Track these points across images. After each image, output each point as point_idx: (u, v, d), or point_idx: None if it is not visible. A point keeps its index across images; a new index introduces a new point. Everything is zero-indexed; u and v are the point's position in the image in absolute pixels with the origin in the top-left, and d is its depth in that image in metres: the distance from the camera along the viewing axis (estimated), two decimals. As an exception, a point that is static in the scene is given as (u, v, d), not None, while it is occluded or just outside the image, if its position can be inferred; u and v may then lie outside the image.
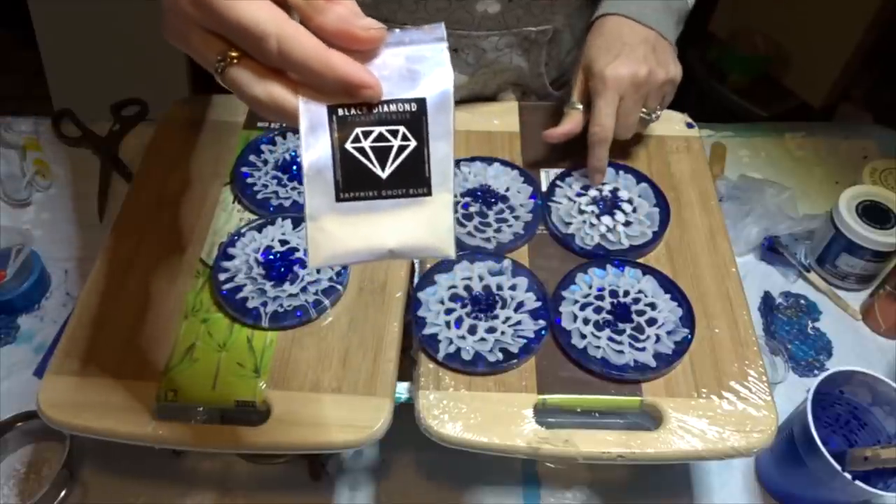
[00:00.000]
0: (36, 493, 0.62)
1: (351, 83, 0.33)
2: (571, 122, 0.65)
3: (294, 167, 0.67)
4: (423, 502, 0.66)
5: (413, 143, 0.34)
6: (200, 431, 0.52)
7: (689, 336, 0.56)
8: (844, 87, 1.64)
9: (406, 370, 0.56)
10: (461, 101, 0.76)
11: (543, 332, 0.56)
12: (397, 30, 0.35)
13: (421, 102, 0.34)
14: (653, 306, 0.58)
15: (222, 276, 0.58)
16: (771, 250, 0.83)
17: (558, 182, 0.67)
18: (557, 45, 0.76)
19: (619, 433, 0.52)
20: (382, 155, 0.34)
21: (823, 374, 0.63)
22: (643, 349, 0.55)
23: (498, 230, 0.63)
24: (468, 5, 0.67)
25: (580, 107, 0.65)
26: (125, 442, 0.52)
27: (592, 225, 0.63)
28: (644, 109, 0.63)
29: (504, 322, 0.56)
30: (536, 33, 0.71)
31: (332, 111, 0.34)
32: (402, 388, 0.55)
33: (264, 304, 0.56)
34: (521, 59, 0.73)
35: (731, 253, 0.62)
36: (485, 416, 0.52)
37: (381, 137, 0.34)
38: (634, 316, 0.57)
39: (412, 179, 0.35)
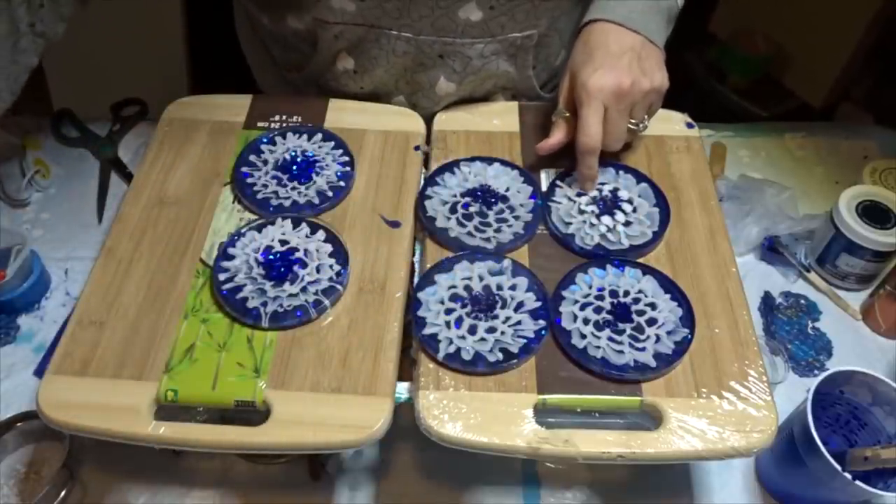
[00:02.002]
0: (36, 493, 0.62)
1: None
2: (560, 133, 0.65)
3: (294, 167, 0.67)
4: (423, 502, 0.66)
5: None
6: (200, 431, 0.52)
7: (689, 336, 0.56)
8: (845, 87, 1.64)
9: (406, 370, 0.56)
10: (455, 103, 0.76)
11: (543, 332, 0.56)
12: None
13: None
14: (653, 306, 0.58)
15: (222, 276, 0.58)
16: (771, 250, 0.83)
17: (558, 182, 0.67)
18: (545, 48, 0.76)
19: (619, 433, 0.51)
20: None
21: (823, 374, 0.63)
22: (643, 349, 0.55)
23: (498, 230, 0.63)
24: (451, 13, 0.67)
25: (567, 115, 0.65)
26: (125, 442, 0.52)
27: (592, 225, 0.63)
28: (632, 120, 0.63)
29: (504, 322, 0.56)
30: (522, 39, 0.71)
31: None
32: (402, 388, 0.55)
33: (264, 304, 0.57)
34: (508, 64, 0.73)
35: (731, 253, 0.62)
36: (485, 416, 0.52)
37: None
38: (634, 316, 0.57)
39: None
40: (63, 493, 0.64)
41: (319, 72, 0.76)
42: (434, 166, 0.68)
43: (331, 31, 0.70)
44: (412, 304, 0.58)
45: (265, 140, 0.69)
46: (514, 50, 0.72)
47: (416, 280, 0.61)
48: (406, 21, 0.68)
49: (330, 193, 0.65)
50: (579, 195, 0.66)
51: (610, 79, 0.61)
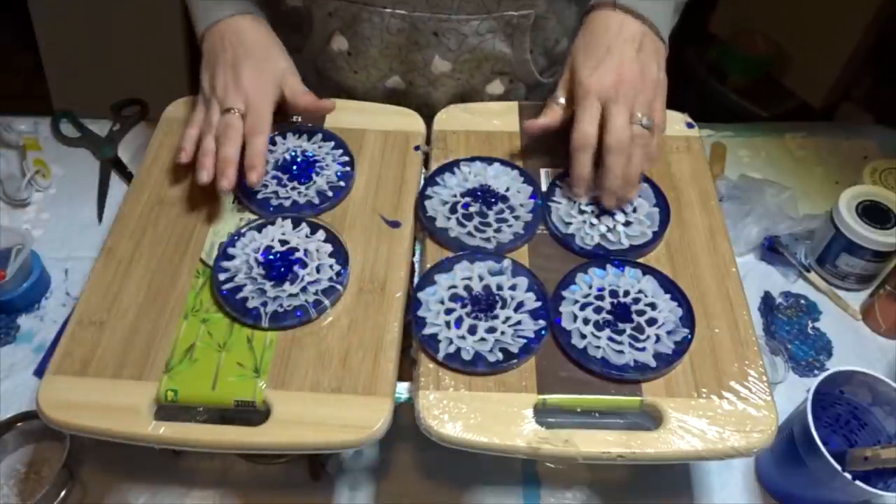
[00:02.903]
0: (36, 493, 0.62)
1: None
2: (549, 116, 0.65)
3: (294, 167, 0.67)
4: (423, 502, 0.66)
5: None
6: (200, 431, 0.52)
7: (689, 336, 0.56)
8: (845, 87, 1.64)
9: (406, 370, 0.56)
10: (453, 100, 0.76)
11: (543, 332, 0.56)
12: None
13: None
14: (653, 306, 0.58)
15: (222, 276, 0.58)
16: (771, 250, 0.84)
17: (558, 182, 0.67)
18: (543, 31, 0.76)
19: (619, 433, 0.51)
20: None
21: (823, 374, 0.63)
22: (643, 349, 0.55)
23: (498, 230, 0.63)
24: None
25: (562, 101, 0.64)
26: (125, 442, 0.52)
27: (592, 225, 0.63)
28: (638, 114, 0.61)
29: (504, 322, 0.56)
30: (518, 18, 0.71)
31: None
32: (402, 388, 0.55)
33: (264, 304, 0.56)
34: (505, 44, 0.73)
35: (731, 253, 0.62)
36: (485, 416, 0.52)
37: None
38: (634, 316, 0.57)
39: None
40: (63, 493, 0.64)
41: (315, 53, 0.76)
42: (434, 166, 0.68)
43: (324, 9, 0.70)
44: (412, 304, 0.58)
45: (265, 140, 0.69)
46: (510, 29, 0.72)
47: (416, 280, 0.61)
48: None
49: (330, 193, 0.65)
50: (579, 195, 0.66)
51: (607, 76, 0.61)
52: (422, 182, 0.67)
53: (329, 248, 0.61)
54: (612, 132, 0.60)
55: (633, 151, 0.61)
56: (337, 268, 0.59)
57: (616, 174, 0.60)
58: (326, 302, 0.57)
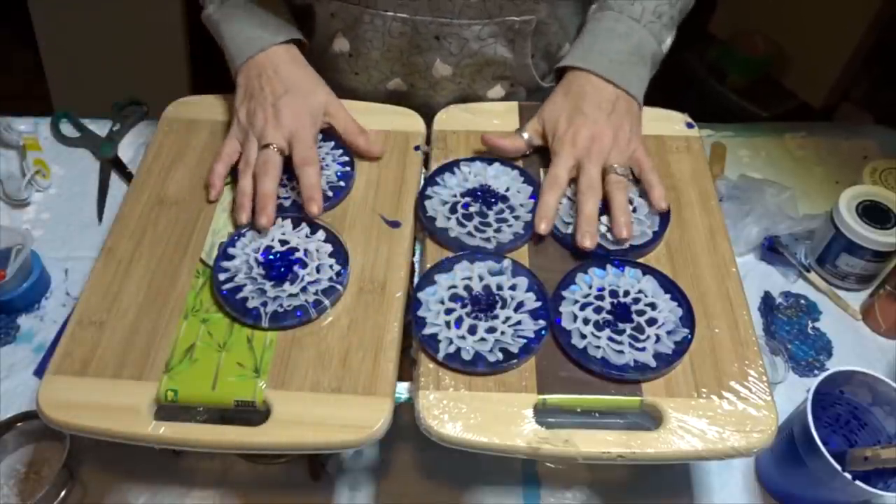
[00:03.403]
0: (36, 493, 0.62)
1: None
2: (511, 143, 0.67)
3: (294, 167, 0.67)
4: (423, 502, 0.66)
5: None
6: (200, 431, 0.52)
7: (689, 336, 0.56)
8: (845, 87, 1.64)
9: (406, 370, 0.56)
10: (454, 103, 0.76)
11: (543, 332, 0.56)
12: None
13: None
14: (653, 306, 0.58)
15: (222, 276, 0.58)
16: (771, 250, 0.84)
17: (558, 182, 0.67)
18: (545, 36, 0.76)
19: (619, 433, 0.51)
20: None
21: (823, 374, 0.63)
22: (643, 349, 0.55)
23: (498, 230, 0.63)
24: None
25: (525, 136, 0.67)
26: (125, 442, 0.52)
27: (592, 225, 0.63)
28: (613, 165, 0.64)
29: (504, 322, 0.56)
30: (520, 23, 0.71)
31: None
32: (402, 388, 0.55)
33: (264, 304, 0.56)
34: (506, 49, 0.73)
35: (731, 253, 0.62)
36: (485, 416, 0.52)
37: None
38: (634, 316, 0.57)
39: None
40: (63, 493, 0.64)
41: (318, 54, 0.76)
42: (434, 166, 0.68)
43: (327, 10, 0.70)
44: (412, 304, 0.58)
45: (265, 140, 0.69)
46: (511, 34, 0.72)
47: (416, 280, 0.61)
48: (403, 0, 0.68)
49: (330, 193, 0.65)
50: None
51: (581, 136, 0.64)
52: (422, 182, 0.67)
53: (329, 248, 0.61)
54: (584, 178, 0.63)
55: (614, 195, 0.63)
56: (337, 268, 0.59)
57: (587, 214, 0.61)
58: (326, 302, 0.57)
